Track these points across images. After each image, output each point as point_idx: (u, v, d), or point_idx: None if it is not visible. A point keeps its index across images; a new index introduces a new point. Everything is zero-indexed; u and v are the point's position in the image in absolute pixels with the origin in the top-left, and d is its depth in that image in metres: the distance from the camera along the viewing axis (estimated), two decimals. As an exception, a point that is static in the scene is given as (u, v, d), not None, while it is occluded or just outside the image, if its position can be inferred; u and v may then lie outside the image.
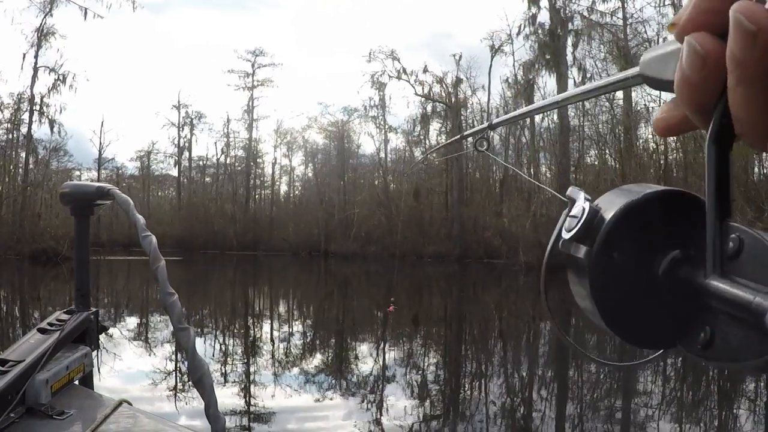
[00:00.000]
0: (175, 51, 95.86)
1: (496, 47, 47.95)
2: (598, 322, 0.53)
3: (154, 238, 1.94)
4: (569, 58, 42.31)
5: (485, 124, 1.41)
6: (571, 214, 0.55)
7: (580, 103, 44.53)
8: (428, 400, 8.33)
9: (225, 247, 54.59)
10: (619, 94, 41.61)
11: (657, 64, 0.50)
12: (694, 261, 0.49)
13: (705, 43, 0.42)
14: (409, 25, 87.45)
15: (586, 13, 41.65)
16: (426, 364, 10.95)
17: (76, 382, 2.26)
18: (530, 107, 1.08)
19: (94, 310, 2.46)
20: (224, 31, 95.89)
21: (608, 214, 0.53)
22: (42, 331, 2.24)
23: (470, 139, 1.67)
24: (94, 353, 2.44)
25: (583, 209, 0.54)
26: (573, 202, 0.57)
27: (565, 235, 0.55)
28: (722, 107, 0.43)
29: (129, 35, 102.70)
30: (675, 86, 0.45)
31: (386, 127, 57.25)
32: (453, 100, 52.08)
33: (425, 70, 53.16)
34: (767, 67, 0.38)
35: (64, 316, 2.35)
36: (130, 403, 2.16)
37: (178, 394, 7.84)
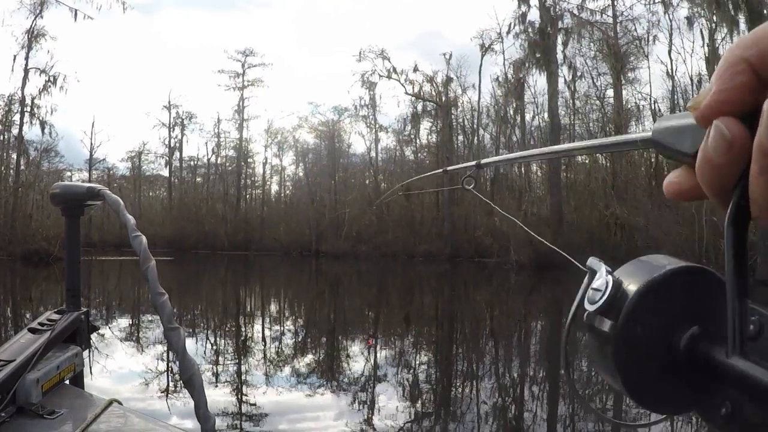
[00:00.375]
0: (165, 51, 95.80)
1: (486, 46, 48.03)
2: (619, 387, 0.55)
3: (144, 239, 1.95)
4: (559, 56, 42.46)
5: (473, 162, 1.43)
6: (593, 286, 0.57)
7: (570, 101, 44.59)
8: (419, 400, 8.35)
9: (216, 247, 54.55)
10: (609, 92, 41.76)
11: (672, 135, 0.52)
12: (713, 337, 0.50)
13: (732, 128, 0.44)
14: (398, 24, 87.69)
15: (576, 11, 41.78)
16: (417, 363, 10.96)
17: (67, 382, 2.27)
18: (523, 153, 1.09)
19: (84, 309, 2.47)
20: (214, 31, 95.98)
21: (631, 289, 0.55)
22: (33, 330, 2.24)
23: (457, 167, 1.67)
24: (85, 353, 2.44)
25: (607, 283, 0.56)
26: (594, 272, 0.59)
27: (589, 307, 0.57)
28: (740, 190, 0.45)
29: (119, 36, 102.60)
30: (697, 165, 0.47)
31: (377, 126, 57.37)
32: (443, 99, 52.12)
33: (415, 69, 53.30)
34: None
35: (55, 316, 2.36)
36: (120, 403, 2.17)
37: (168, 394, 7.84)
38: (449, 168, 1.65)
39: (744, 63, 0.43)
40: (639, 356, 0.54)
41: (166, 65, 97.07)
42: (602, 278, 0.57)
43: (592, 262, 0.61)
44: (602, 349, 0.56)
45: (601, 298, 0.55)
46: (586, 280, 0.59)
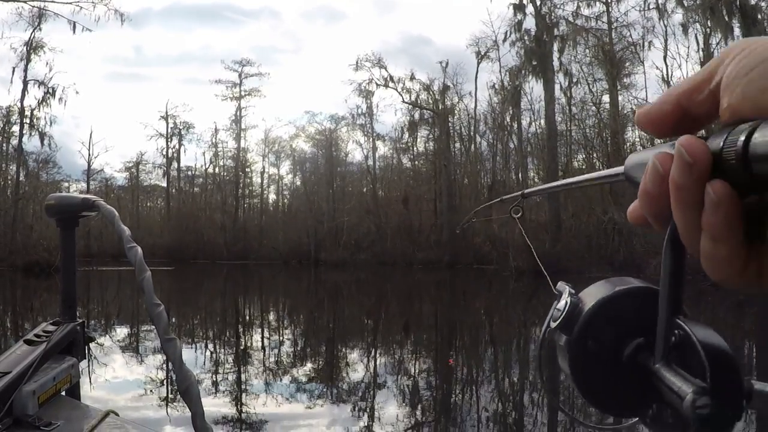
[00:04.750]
0: (161, 61, 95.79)
1: (482, 53, 48.13)
2: (578, 392, 0.62)
3: (139, 249, 1.95)
4: (555, 63, 42.50)
5: (518, 193, 1.55)
6: (557, 307, 0.64)
7: (567, 107, 44.66)
8: (419, 407, 8.34)
9: (215, 257, 54.54)
10: (605, 98, 41.80)
11: (637, 168, 0.57)
12: (652, 348, 0.56)
13: (665, 163, 0.48)
14: (386, 30, 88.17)
15: (571, 18, 41.86)
16: (416, 371, 10.96)
17: (63, 393, 2.27)
18: (562, 182, 1.17)
19: (80, 320, 2.47)
20: (210, 41, 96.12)
21: (584, 308, 0.62)
22: (29, 342, 2.25)
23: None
24: (82, 364, 2.44)
25: (566, 303, 0.63)
26: (560, 295, 0.66)
27: (552, 325, 0.64)
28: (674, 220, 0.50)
29: (114, 46, 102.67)
30: (638, 194, 0.52)
31: (374, 134, 57.39)
32: (440, 107, 52.18)
33: (412, 78, 53.38)
34: (699, 193, 0.45)
35: (51, 327, 2.36)
36: (117, 414, 2.17)
37: (165, 405, 7.83)
38: (505, 197, 1.77)
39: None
40: (590, 366, 0.61)
41: (162, 75, 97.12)
42: (564, 299, 0.64)
43: (561, 285, 0.69)
44: (562, 359, 0.63)
45: (560, 316, 0.63)
46: (555, 301, 0.66)
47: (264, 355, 12.18)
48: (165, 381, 9.24)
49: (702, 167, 0.45)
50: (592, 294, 0.63)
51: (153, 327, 1.76)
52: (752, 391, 0.53)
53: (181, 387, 1.66)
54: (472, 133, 52.25)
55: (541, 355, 0.76)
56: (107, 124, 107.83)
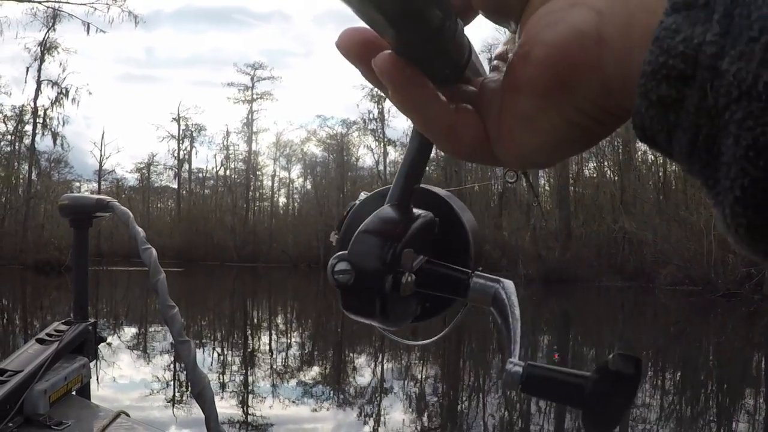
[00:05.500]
0: (172, 63, 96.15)
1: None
2: None
3: (154, 251, 1.96)
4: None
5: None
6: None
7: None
8: (426, 413, 8.33)
9: (225, 259, 54.53)
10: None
11: None
12: None
13: None
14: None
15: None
16: (423, 376, 10.94)
17: (74, 393, 2.27)
18: None
19: (92, 321, 2.48)
20: (221, 44, 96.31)
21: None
22: (40, 341, 2.25)
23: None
24: (92, 364, 2.45)
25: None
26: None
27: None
28: None
29: (126, 47, 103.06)
30: None
31: (385, 140, 57.34)
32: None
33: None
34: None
35: (63, 327, 2.37)
36: (128, 415, 2.17)
37: (176, 406, 7.83)
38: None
39: None
40: None
41: (173, 77, 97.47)
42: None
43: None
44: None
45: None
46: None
47: (274, 358, 12.18)
48: (176, 382, 9.25)
49: None
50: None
51: (164, 328, 1.76)
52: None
53: (195, 390, 1.66)
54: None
55: None
56: (118, 125, 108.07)
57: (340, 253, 0.53)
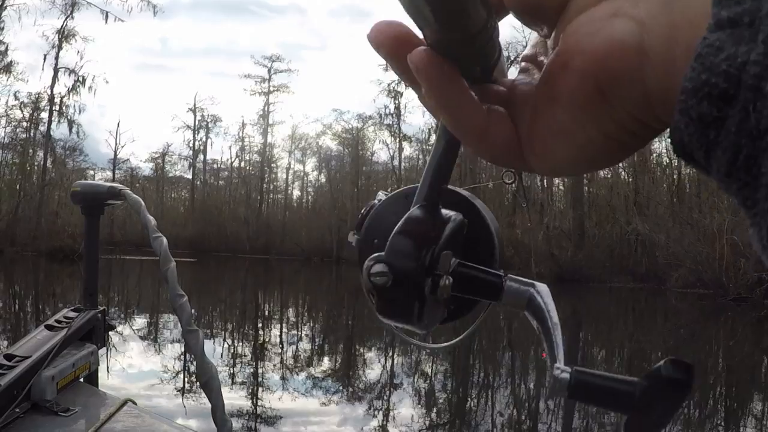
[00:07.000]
0: (188, 54, 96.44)
1: (513, 58, 47.94)
2: None
3: (164, 240, 1.95)
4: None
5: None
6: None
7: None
8: (435, 409, 8.32)
9: (237, 251, 54.67)
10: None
11: None
12: None
13: None
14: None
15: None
16: (433, 372, 10.93)
17: (82, 380, 2.27)
18: None
19: (101, 308, 2.48)
20: (236, 36, 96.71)
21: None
22: (49, 327, 2.25)
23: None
24: (101, 351, 2.45)
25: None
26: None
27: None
28: None
29: (142, 36, 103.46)
30: None
31: (401, 135, 57.33)
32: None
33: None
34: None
35: (72, 314, 2.37)
36: (135, 403, 2.17)
37: (184, 395, 7.85)
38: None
39: None
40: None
41: (189, 68, 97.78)
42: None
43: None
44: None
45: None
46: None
47: (283, 350, 12.19)
48: (184, 372, 9.27)
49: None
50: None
51: (174, 317, 1.76)
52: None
53: (202, 379, 1.65)
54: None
55: None
56: (133, 114, 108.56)
57: (377, 254, 0.51)
